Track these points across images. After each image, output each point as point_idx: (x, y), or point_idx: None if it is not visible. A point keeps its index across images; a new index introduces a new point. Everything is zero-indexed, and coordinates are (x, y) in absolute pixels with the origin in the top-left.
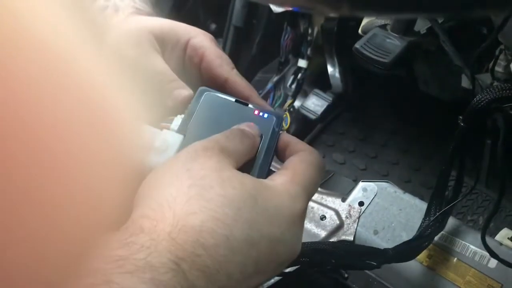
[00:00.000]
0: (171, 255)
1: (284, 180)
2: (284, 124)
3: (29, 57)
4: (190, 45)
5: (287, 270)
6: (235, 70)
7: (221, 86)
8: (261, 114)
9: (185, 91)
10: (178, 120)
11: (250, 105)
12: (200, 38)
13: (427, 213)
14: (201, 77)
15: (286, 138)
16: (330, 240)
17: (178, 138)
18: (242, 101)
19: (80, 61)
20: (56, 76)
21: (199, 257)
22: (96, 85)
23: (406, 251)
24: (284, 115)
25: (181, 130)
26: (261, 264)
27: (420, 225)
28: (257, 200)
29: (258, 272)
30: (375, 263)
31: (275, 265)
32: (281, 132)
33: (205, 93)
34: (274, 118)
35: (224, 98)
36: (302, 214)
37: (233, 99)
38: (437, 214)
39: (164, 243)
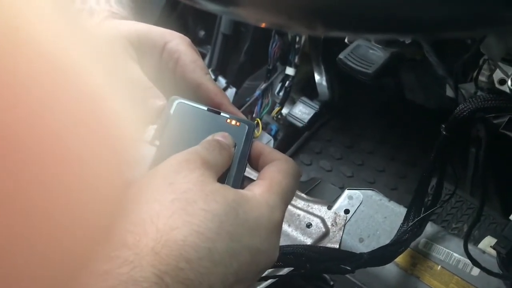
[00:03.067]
0: (154, 269)
1: (262, 190)
2: (256, 132)
3: (29, 59)
4: (166, 50)
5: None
6: (208, 76)
7: (194, 91)
8: (233, 122)
9: (160, 101)
10: (150, 130)
11: (222, 114)
12: (176, 42)
13: (406, 218)
14: (175, 82)
15: (259, 146)
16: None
17: (151, 150)
18: (214, 109)
19: (76, 63)
20: (57, 78)
21: (182, 270)
22: (94, 90)
23: (381, 256)
24: (256, 122)
25: (154, 141)
26: (241, 273)
27: (398, 230)
28: (238, 213)
29: (238, 281)
30: (349, 268)
31: (254, 273)
32: (253, 140)
33: (177, 102)
34: (246, 126)
35: (196, 107)
36: (280, 223)
37: (205, 108)
38: (415, 220)
39: (147, 258)
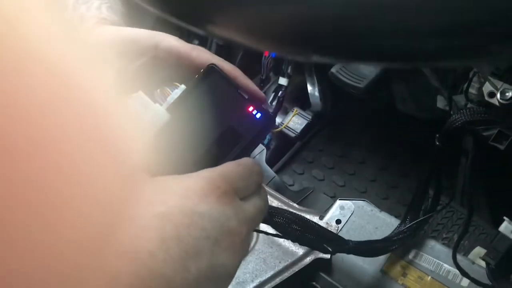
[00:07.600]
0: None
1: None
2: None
3: (27, 66)
4: (161, 49)
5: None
6: (217, 57)
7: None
8: (254, 112)
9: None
10: (176, 93)
11: (247, 97)
12: (168, 40)
13: (403, 220)
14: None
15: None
16: (308, 258)
17: (165, 117)
18: (243, 93)
19: (73, 69)
20: (54, 84)
21: None
22: (92, 95)
23: (367, 248)
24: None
25: (172, 108)
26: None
27: (393, 230)
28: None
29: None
30: (330, 249)
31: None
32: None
33: (212, 73)
34: (264, 121)
35: (227, 85)
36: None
37: (236, 89)
38: (413, 222)
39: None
